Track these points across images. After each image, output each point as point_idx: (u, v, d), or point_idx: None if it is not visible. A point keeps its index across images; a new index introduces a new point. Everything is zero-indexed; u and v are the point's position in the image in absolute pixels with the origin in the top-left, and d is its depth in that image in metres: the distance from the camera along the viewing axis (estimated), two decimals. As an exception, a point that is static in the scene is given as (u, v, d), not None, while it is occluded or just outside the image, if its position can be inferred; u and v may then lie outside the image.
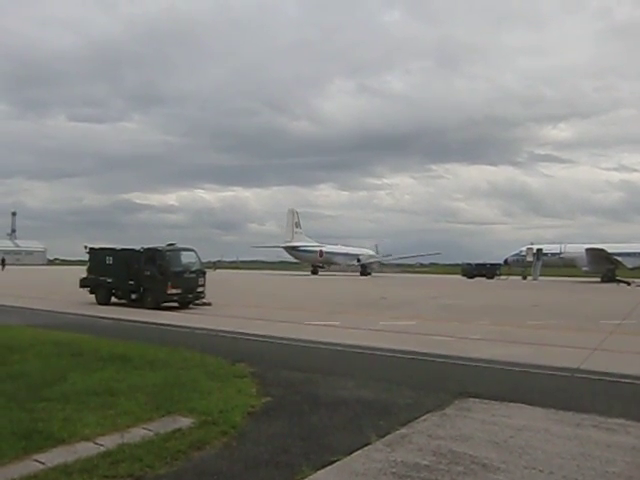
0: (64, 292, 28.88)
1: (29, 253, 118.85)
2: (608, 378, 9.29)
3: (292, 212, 73.68)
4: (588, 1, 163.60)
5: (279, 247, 72.83)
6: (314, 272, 72.46)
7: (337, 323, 16.81)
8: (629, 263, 52.29)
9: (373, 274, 70.45)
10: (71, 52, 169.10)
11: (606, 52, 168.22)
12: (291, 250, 70.40)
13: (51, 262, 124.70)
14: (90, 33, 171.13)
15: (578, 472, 5.04)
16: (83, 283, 24.14)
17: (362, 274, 68.70)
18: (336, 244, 74.08)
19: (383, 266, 78.09)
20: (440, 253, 75.72)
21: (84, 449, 5.38)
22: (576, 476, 4.94)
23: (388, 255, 78.45)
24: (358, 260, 70.78)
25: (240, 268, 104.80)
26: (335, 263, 71.68)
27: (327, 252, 70.14)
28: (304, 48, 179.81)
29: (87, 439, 5.64)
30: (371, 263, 72.91)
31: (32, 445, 5.38)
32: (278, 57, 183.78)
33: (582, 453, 5.54)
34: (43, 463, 5.01)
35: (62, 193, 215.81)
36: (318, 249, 69.61)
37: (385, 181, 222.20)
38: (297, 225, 73.13)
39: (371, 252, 76.07)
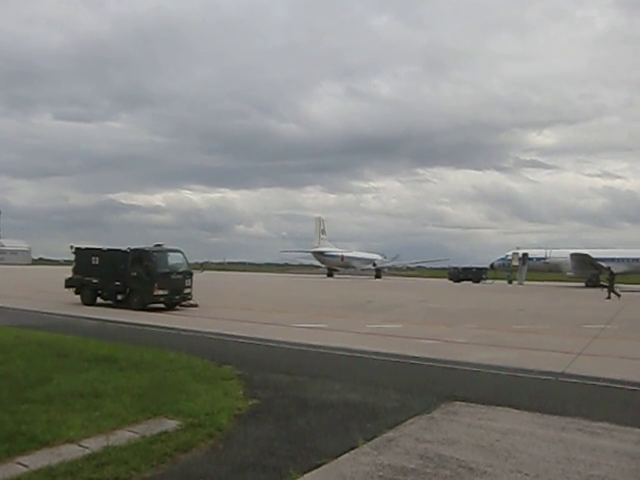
0: (49, 292, 28.59)
1: (13, 252, 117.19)
2: (592, 382, 9.38)
3: (319, 220, 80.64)
4: (572, 10, 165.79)
5: (308, 252, 78.35)
6: (329, 275, 77.44)
7: (325, 325, 16.81)
8: (613, 268, 52.88)
9: (383, 277, 75.77)
10: (58, 50, 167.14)
11: (590, 60, 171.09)
12: (318, 255, 75.85)
13: (36, 262, 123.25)
14: (77, 31, 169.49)
15: (563, 476, 5.08)
16: (68, 283, 23.91)
17: (376, 277, 74.26)
18: (352, 250, 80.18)
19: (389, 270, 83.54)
20: (448, 259, 77.41)
21: (68, 452, 5.31)
22: (561, 479, 4.99)
23: (395, 259, 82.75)
24: (374, 264, 77.01)
25: (227, 269, 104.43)
26: (352, 267, 77.00)
27: (347, 257, 76.03)
28: (293, 50, 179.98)
29: (72, 441, 5.57)
30: (383, 267, 78.88)
31: (15, 447, 5.30)
32: (267, 59, 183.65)
33: (567, 457, 5.59)
34: (26, 466, 4.94)
35: (48, 192, 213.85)
36: (340, 254, 75.52)
37: (372, 184, 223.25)
38: (323, 232, 79.27)
39: (380, 257, 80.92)
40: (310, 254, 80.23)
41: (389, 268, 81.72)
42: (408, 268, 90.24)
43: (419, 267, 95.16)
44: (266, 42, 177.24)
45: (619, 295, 34.46)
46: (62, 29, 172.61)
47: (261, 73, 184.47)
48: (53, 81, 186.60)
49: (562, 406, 7.67)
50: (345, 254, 76.63)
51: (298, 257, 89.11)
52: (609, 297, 34.38)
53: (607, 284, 35.88)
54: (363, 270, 77.76)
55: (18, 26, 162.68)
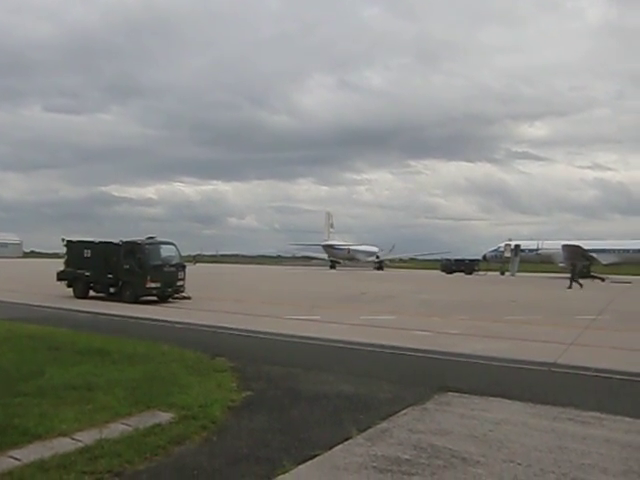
0: (41, 285, 28.43)
1: (4, 245, 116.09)
2: (583, 372, 9.46)
3: (328, 214, 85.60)
4: (563, 1, 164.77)
5: (318, 245, 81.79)
6: (332, 267, 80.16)
7: (318, 317, 16.83)
8: (603, 259, 53.42)
9: (385, 269, 78.77)
10: (46, 41, 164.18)
11: (581, 52, 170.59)
12: (328, 248, 79.88)
13: (27, 255, 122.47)
14: (65, 21, 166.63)
15: (555, 464, 5.13)
16: (60, 276, 23.80)
17: (378, 269, 77.26)
18: (361, 244, 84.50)
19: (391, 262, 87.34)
20: (450, 252, 78.21)
21: (61, 445, 5.29)
22: (553, 468, 5.03)
23: (392, 250, 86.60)
24: (377, 257, 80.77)
25: (220, 262, 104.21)
26: (357, 259, 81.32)
27: (352, 250, 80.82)
28: (285, 42, 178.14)
29: (64, 435, 5.55)
30: (384, 259, 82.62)
31: (7, 441, 5.27)
32: (258, 50, 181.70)
33: (559, 446, 5.64)
34: (19, 459, 4.92)
35: (38, 185, 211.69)
36: (346, 247, 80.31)
37: (364, 176, 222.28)
38: (331, 226, 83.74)
39: (378, 249, 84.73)
40: (303, 247, 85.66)
41: (390, 260, 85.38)
42: (401, 260, 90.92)
43: (412, 259, 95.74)
44: (258, 33, 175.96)
45: (573, 285, 35.46)
46: (51, 19, 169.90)
47: (253, 65, 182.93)
48: (42, 72, 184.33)
49: (554, 396, 7.72)
50: (351, 247, 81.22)
51: (293, 249, 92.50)
52: (570, 287, 35.37)
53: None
54: (367, 262, 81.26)
55: (5, 16, 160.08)
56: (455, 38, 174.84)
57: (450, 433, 5.99)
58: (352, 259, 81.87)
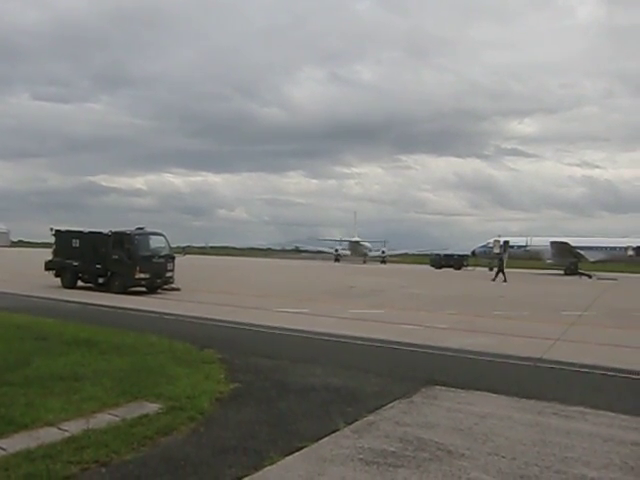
0: (28, 274, 28.20)
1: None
2: (569, 368, 9.57)
3: (355, 213, 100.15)
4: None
5: (346, 240, 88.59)
6: (337, 260, 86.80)
7: (307, 310, 16.85)
8: (591, 256, 53.82)
9: (368, 263, 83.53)
10: (35, 27, 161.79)
11: (571, 50, 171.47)
12: (354, 244, 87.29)
13: (15, 244, 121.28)
14: (54, 8, 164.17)
15: (539, 458, 5.20)
16: (48, 266, 23.63)
17: (382, 262, 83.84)
18: (365, 240, 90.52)
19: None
20: (448, 249, 78.92)
21: (48, 435, 5.27)
22: (537, 462, 5.10)
23: (385, 245, 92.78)
24: (383, 252, 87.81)
25: (209, 254, 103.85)
26: (364, 254, 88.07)
27: (365, 246, 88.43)
28: (276, 34, 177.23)
29: (51, 424, 5.54)
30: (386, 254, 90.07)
31: (-7, 430, 5.24)
32: (249, 42, 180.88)
33: (543, 440, 5.71)
34: (4, 449, 4.90)
35: (26, 173, 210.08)
36: (364, 244, 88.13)
37: (354, 170, 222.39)
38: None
39: (370, 245, 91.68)
40: (332, 242, 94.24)
41: (391, 255, 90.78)
42: (389, 256, 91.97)
43: (403, 254, 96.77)
44: (249, 25, 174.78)
45: (498, 278, 38.02)
46: (39, 6, 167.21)
47: (243, 56, 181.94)
48: (31, 60, 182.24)
49: (539, 391, 7.81)
50: (365, 244, 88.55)
51: (319, 243, 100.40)
52: (494, 279, 37.98)
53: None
54: (371, 257, 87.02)
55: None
56: (446, 33, 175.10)
57: (436, 426, 6.04)
58: (364, 254, 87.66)
